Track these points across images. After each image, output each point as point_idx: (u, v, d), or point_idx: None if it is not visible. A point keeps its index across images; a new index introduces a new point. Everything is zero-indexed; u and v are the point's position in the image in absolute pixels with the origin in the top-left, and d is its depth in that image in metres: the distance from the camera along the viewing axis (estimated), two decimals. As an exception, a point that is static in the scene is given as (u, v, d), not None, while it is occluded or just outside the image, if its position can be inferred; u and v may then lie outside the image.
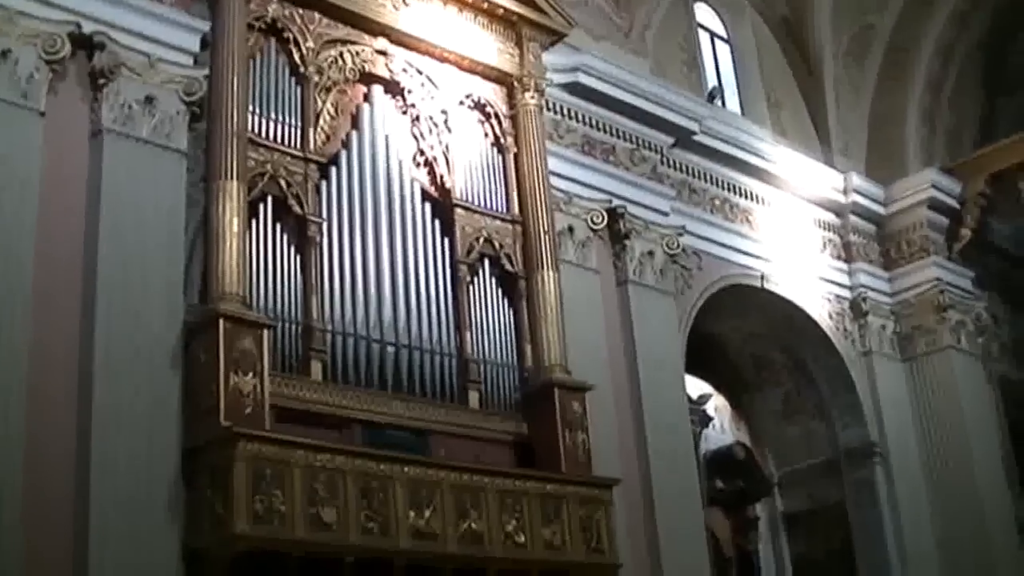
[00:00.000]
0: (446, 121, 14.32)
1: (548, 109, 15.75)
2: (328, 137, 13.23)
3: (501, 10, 14.96)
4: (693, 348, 17.44)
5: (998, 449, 20.88)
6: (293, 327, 12.18)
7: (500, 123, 14.89)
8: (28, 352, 10.57)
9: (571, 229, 15.64)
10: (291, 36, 13.22)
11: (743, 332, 20.07)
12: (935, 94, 22.11)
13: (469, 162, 14.40)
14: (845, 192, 20.53)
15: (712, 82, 20.19)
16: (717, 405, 20.65)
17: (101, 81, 11.82)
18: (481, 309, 13.92)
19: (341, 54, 13.61)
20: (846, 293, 20.35)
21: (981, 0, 22.06)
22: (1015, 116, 22.86)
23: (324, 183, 12.96)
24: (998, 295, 22.46)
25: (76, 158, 11.58)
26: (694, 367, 18.11)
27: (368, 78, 13.88)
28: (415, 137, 14.13)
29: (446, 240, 13.83)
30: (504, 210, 14.51)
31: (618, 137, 16.78)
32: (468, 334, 13.60)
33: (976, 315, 21.39)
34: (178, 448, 11.13)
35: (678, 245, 16.88)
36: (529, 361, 14.02)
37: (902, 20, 21.48)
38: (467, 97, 14.70)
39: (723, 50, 21.20)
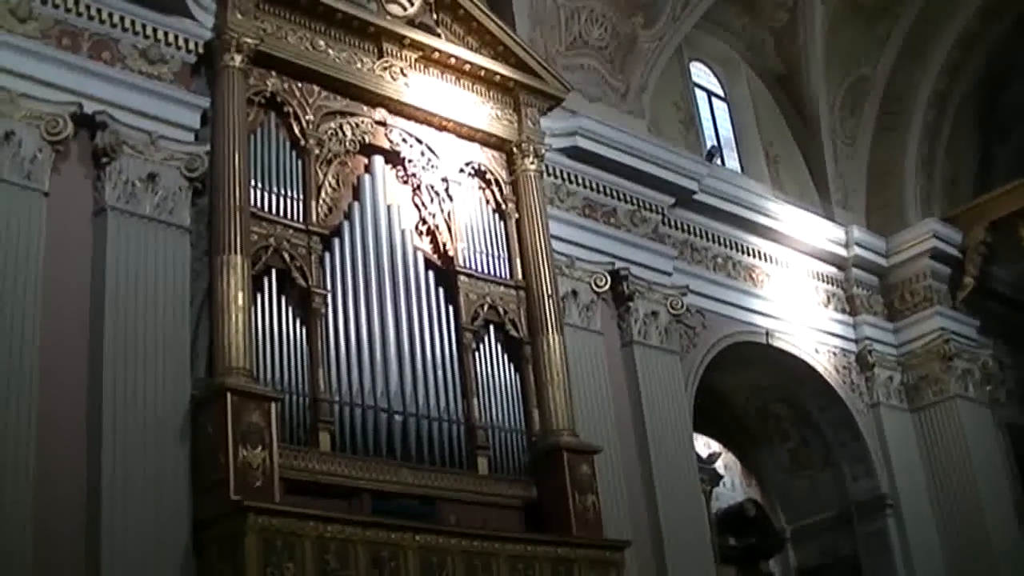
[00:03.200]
0: (447, 189, 14.40)
1: (548, 174, 15.81)
2: (330, 209, 13.32)
3: (498, 77, 15.09)
4: (700, 406, 17.41)
5: (1009, 496, 20.81)
6: (300, 399, 12.20)
7: (501, 189, 14.98)
8: (37, 427, 10.60)
9: (575, 292, 15.65)
10: (291, 110, 13.34)
11: (750, 388, 20.07)
12: (932, 142, 22.19)
13: (471, 229, 14.47)
14: (847, 245, 20.57)
15: (710, 140, 20.31)
16: (727, 462, 20.62)
17: (104, 160, 11.93)
18: (487, 375, 13.93)
19: (341, 126, 13.71)
20: (852, 346, 20.34)
21: (973, 48, 22.17)
22: (1011, 160, 23.03)
23: (327, 255, 13.03)
24: (1003, 341, 22.44)
25: (80, 236, 11.68)
26: (702, 425, 18.09)
27: (368, 149, 13.97)
28: (417, 206, 14.22)
29: (450, 307, 13.86)
30: (507, 276, 14.57)
31: (618, 199, 16.83)
32: (475, 400, 13.60)
33: (982, 363, 21.37)
34: (188, 520, 11.14)
35: (682, 305, 16.88)
36: (537, 425, 14.00)
37: (896, 71, 21.62)
38: (467, 164, 14.79)
39: (720, 108, 21.33)
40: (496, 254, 14.56)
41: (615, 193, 16.79)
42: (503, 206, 14.90)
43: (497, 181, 15.00)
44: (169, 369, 11.59)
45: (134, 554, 10.66)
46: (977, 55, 22.37)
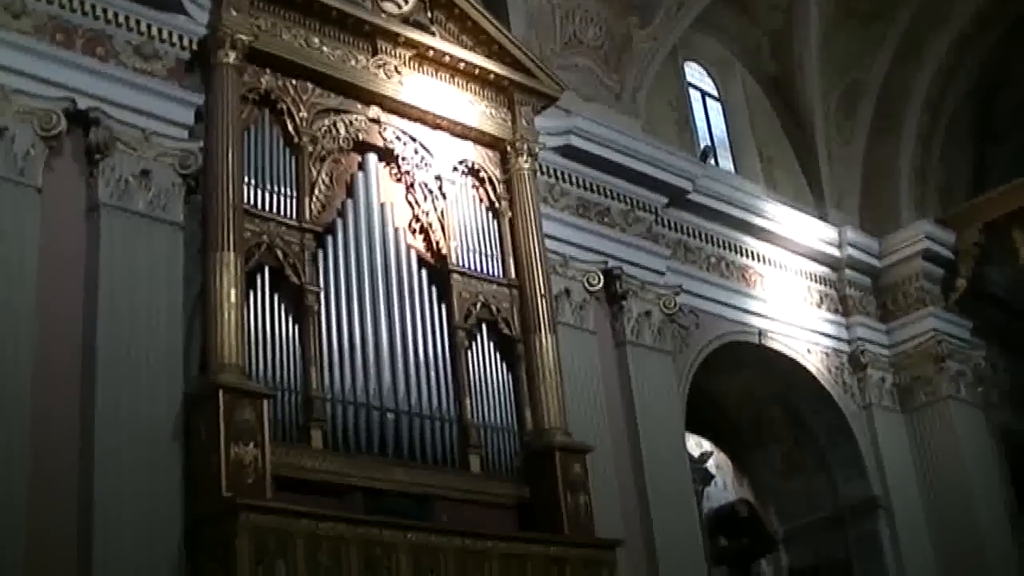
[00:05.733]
0: (440, 187, 14.37)
1: (542, 172, 15.80)
2: (323, 206, 13.29)
3: (492, 76, 15.05)
4: (693, 406, 17.43)
5: (1001, 499, 20.81)
6: (293, 396, 12.17)
7: (494, 188, 14.95)
8: (30, 427, 10.56)
9: (568, 291, 15.64)
10: (285, 107, 13.29)
11: (742, 389, 20.03)
12: (926, 146, 22.19)
13: (464, 227, 14.43)
14: (840, 246, 20.57)
15: (704, 141, 20.32)
16: (718, 462, 20.61)
17: (97, 156, 11.89)
18: (480, 374, 13.90)
19: (335, 123, 13.67)
20: (844, 347, 20.34)
21: (967, 53, 22.18)
22: (1005, 165, 22.96)
23: (320, 252, 13.00)
24: (996, 344, 22.42)
25: (73, 233, 11.63)
26: (694, 425, 18.11)
27: (362, 146, 13.93)
28: (410, 204, 14.19)
29: (443, 306, 13.84)
30: (500, 274, 14.54)
31: (612, 198, 16.82)
32: (467, 399, 13.57)
33: (975, 364, 21.38)
34: (181, 521, 11.11)
35: (675, 304, 16.88)
36: (529, 424, 13.98)
37: (890, 74, 21.60)
38: (461, 163, 14.76)
39: (714, 108, 21.34)
40: (489, 253, 14.53)
41: (609, 192, 16.78)
42: (496, 204, 14.88)
43: (491, 179, 14.97)
44: (163, 367, 11.57)
45: (127, 553, 10.63)
46: (971, 60, 22.40)
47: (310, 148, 13.33)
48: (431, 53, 14.58)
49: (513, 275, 14.60)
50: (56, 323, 11.18)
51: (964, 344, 21.32)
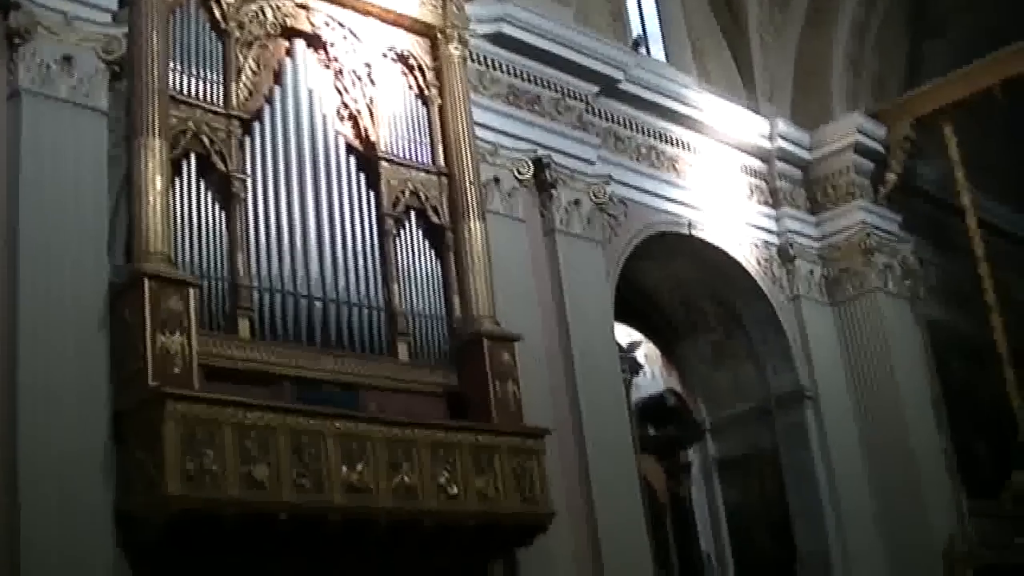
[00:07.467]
0: (369, 74, 14.20)
1: (472, 60, 15.65)
2: (251, 93, 13.07)
3: (423, -39, 14.89)
4: (622, 297, 17.46)
5: (926, 389, 21.09)
6: (220, 284, 12.07)
7: (424, 75, 14.78)
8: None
9: (497, 180, 15.59)
10: (211, -9, 13.09)
11: (672, 280, 20.10)
12: (860, 39, 22.10)
13: (393, 115, 14.28)
14: (771, 138, 20.55)
15: (636, 30, 20.18)
16: (647, 353, 20.77)
17: (17, 41, 11.56)
18: (408, 262, 13.85)
19: (262, 8, 13.41)
20: (774, 239, 20.41)
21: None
22: (940, 61, 22.92)
23: (248, 139, 12.82)
24: (925, 238, 22.61)
25: (-6, 120, 11.39)
26: (624, 315, 18.18)
27: (290, 32, 13.71)
28: (338, 91, 14.00)
29: (372, 193, 13.74)
30: (429, 162, 14.43)
31: (543, 87, 16.72)
32: (396, 287, 13.53)
33: (903, 258, 21.55)
34: (108, 411, 11.05)
35: (605, 193, 16.89)
36: (458, 312, 13.99)
37: (827, -36, 21.55)
38: (390, 50, 14.57)
39: (647, -3, 21.21)
40: (418, 140, 14.40)
41: (540, 81, 16.67)
42: (426, 92, 14.71)
43: (420, 67, 14.79)
44: (87, 256, 11.42)
45: (54, 446, 10.55)
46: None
47: (237, 33, 13.10)
48: (360, -65, 14.38)
49: (442, 163, 14.50)
50: (-24, 211, 10.99)
51: (893, 237, 21.45)
